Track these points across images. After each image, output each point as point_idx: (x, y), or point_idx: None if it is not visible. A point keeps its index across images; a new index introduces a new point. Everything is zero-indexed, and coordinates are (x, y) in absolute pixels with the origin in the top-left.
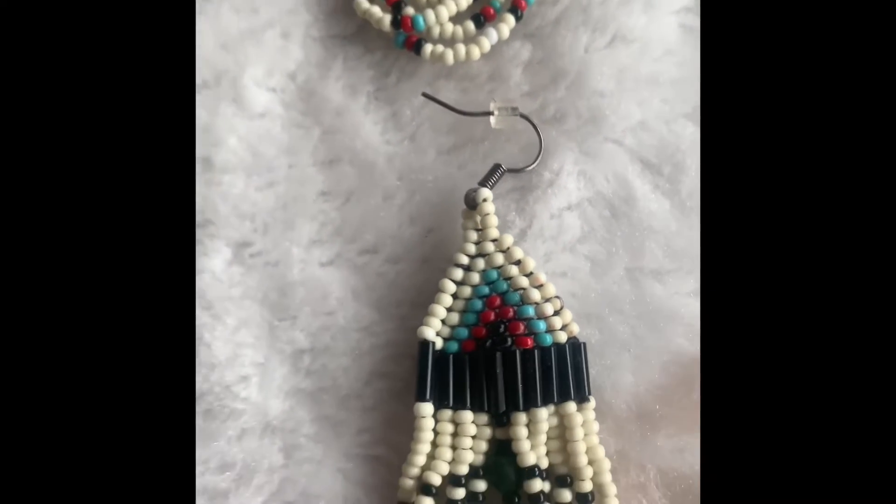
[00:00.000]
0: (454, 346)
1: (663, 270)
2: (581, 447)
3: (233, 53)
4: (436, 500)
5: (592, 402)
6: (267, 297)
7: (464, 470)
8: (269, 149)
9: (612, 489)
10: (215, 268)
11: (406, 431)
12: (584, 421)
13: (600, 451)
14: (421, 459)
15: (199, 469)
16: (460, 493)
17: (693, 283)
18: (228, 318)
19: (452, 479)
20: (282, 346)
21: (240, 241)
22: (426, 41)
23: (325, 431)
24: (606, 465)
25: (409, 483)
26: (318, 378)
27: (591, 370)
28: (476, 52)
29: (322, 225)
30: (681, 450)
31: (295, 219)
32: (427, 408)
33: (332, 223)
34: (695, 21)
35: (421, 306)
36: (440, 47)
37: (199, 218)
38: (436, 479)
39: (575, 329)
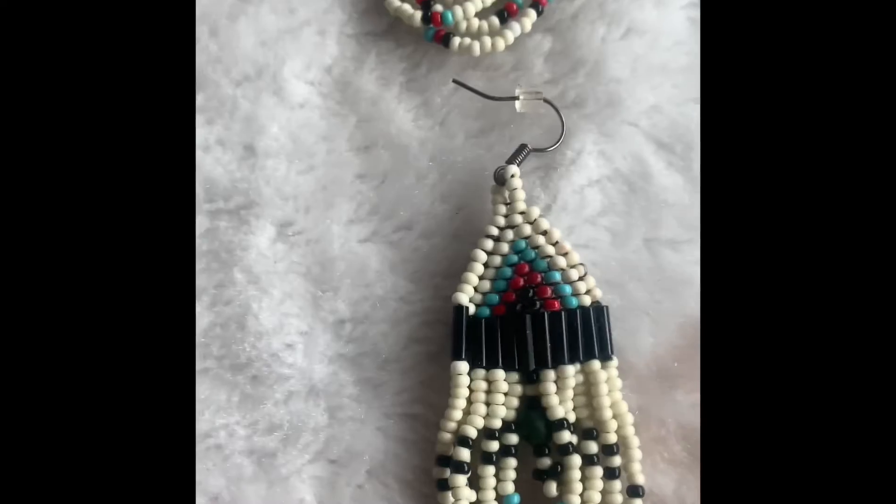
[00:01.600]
0: (486, 311)
1: (678, 240)
2: (606, 402)
3: (272, 50)
4: (471, 453)
5: (615, 361)
6: (310, 271)
7: (497, 424)
8: (308, 136)
9: (635, 441)
10: (261, 245)
11: (442, 391)
12: (608, 378)
13: (623, 406)
14: (458, 414)
15: (247, 431)
16: (494, 445)
17: None
18: (274, 291)
19: (487, 433)
20: (324, 316)
21: (283, 220)
22: (454, 35)
23: (366, 393)
24: (629, 419)
25: (447, 437)
26: (358, 344)
27: (613, 332)
28: (501, 44)
29: (359, 205)
30: (698, 405)
31: (334, 199)
32: (462, 366)
33: (369, 202)
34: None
35: (453, 276)
36: (467, 40)
37: (244, 199)
38: (472, 433)
39: (598, 294)
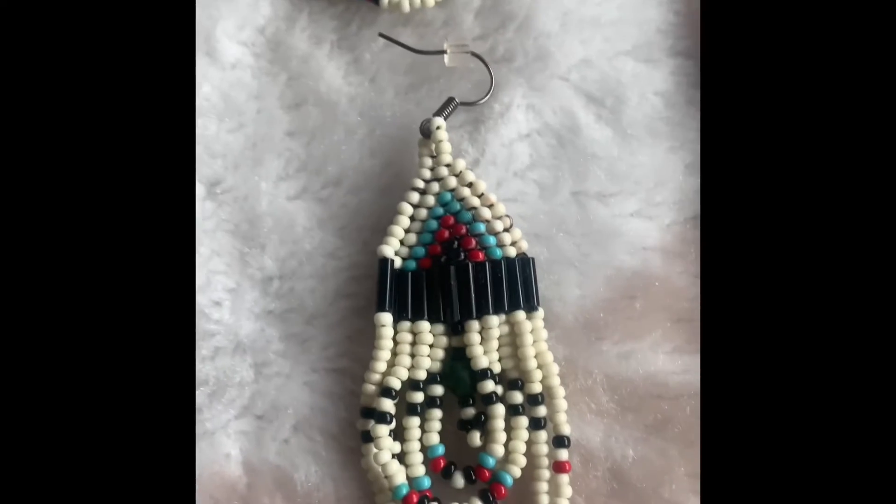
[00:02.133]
0: (412, 265)
1: (606, 193)
2: (530, 352)
3: (206, 10)
4: (396, 405)
5: (541, 312)
6: (238, 228)
7: (422, 375)
8: (239, 95)
9: (560, 391)
10: None
11: (368, 345)
12: (533, 328)
13: (549, 357)
14: (382, 366)
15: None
16: (419, 396)
17: (634, 204)
18: (202, 248)
19: (412, 384)
20: (252, 273)
21: (212, 178)
22: None
23: (293, 348)
24: (555, 369)
25: (370, 388)
26: (286, 300)
27: (540, 285)
28: (430, 0)
29: (288, 161)
30: (625, 356)
31: (263, 156)
32: (386, 317)
33: (298, 159)
34: None
35: (382, 231)
36: None
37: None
38: (396, 384)
39: (524, 246)
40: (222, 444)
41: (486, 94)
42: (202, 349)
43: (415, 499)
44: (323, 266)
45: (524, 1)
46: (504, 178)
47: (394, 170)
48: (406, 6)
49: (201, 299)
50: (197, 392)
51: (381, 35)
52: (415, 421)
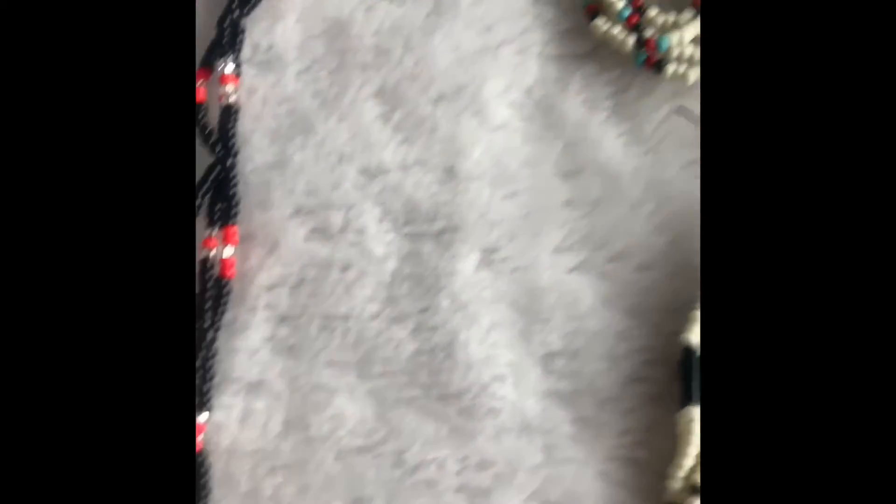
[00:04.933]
0: None
1: None
2: None
3: (470, 69)
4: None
5: None
6: (517, 301)
7: None
8: (511, 160)
9: None
10: (466, 271)
11: (667, 436)
12: None
13: None
14: (689, 462)
15: (458, 467)
16: None
17: None
18: (482, 320)
19: None
20: (534, 349)
21: (488, 246)
22: (667, 61)
23: (585, 433)
24: None
25: (676, 486)
26: (573, 380)
27: None
28: None
29: (569, 232)
30: None
31: (541, 227)
32: (695, 412)
33: (579, 231)
34: None
35: (675, 312)
36: (683, 67)
37: (447, 223)
38: None
39: None
40: None
41: None
42: (487, 427)
43: None
44: (612, 347)
45: None
46: None
47: (683, 248)
48: (692, 78)
49: (484, 374)
50: (483, 473)
51: (679, 111)
52: None
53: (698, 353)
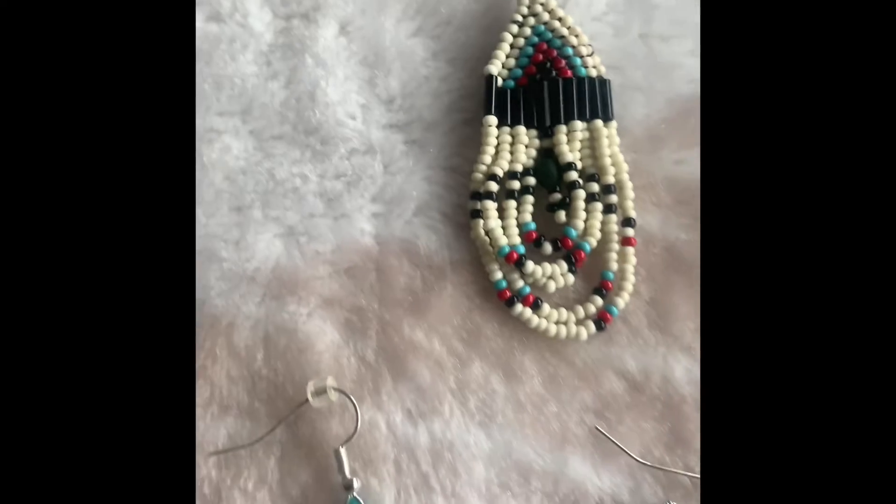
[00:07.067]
0: (511, 84)
1: (667, 35)
2: (606, 151)
3: None
4: (496, 193)
5: (615, 123)
6: (366, 58)
7: (519, 168)
8: None
9: (629, 183)
10: (327, 37)
11: (475, 149)
12: (609, 134)
13: (621, 157)
14: (488, 159)
15: (318, 178)
16: (516, 184)
17: (690, 44)
18: (338, 72)
19: (510, 175)
20: (379, 92)
21: (344, 19)
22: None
23: (414, 150)
24: (625, 166)
25: (479, 177)
26: (407, 114)
27: (613, 104)
28: None
29: (407, 6)
30: (680, 161)
31: (386, 2)
32: (492, 119)
33: (415, 5)
34: None
35: (485, 60)
36: None
37: (312, 4)
38: (499, 171)
39: (602, 70)
40: (358, 220)
41: None
42: (340, 149)
43: (514, 255)
44: (437, 88)
45: None
46: (584, 21)
47: (494, 12)
48: None
49: (339, 112)
50: (337, 181)
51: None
52: (512, 203)
53: (498, 80)
